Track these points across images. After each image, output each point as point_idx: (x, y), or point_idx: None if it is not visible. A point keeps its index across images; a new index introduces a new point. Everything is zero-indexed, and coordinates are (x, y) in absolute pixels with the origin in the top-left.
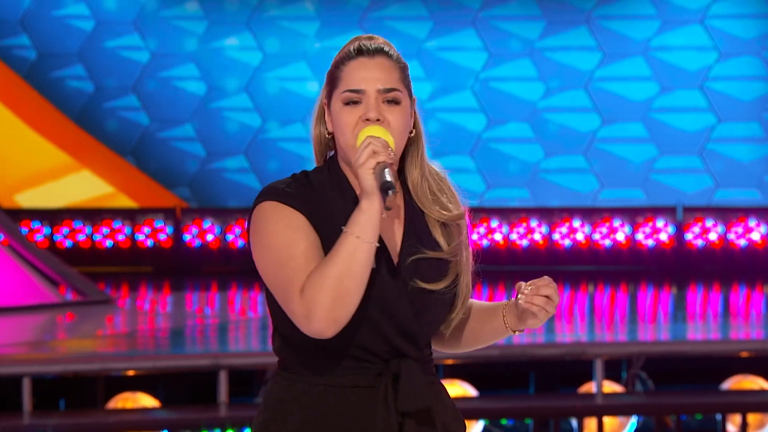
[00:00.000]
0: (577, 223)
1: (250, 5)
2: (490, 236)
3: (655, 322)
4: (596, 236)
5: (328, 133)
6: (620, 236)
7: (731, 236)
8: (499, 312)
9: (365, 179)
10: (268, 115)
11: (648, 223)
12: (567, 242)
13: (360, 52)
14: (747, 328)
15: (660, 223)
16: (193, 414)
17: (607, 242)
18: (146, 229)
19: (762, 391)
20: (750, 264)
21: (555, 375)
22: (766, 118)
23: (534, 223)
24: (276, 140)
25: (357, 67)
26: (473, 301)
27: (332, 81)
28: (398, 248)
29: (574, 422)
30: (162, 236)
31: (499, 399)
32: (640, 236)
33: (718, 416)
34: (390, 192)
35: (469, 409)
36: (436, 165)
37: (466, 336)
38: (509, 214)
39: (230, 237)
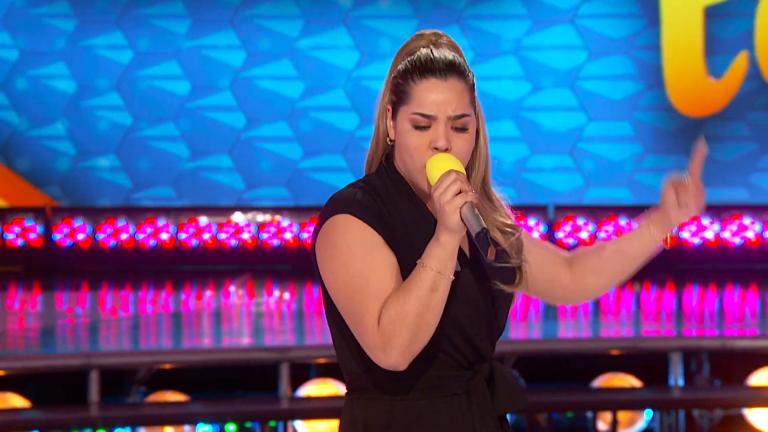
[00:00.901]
0: None
1: (121, 3)
2: None
3: (526, 321)
4: None
5: (390, 140)
6: None
7: (602, 234)
8: (640, 232)
9: (452, 218)
10: (139, 114)
11: (519, 221)
12: None
13: (431, 69)
14: (617, 326)
15: (531, 222)
16: (63, 414)
17: None
18: (16, 229)
19: (632, 389)
20: None
21: None
22: (636, 117)
23: None
24: (147, 139)
25: (429, 89)
26: (611, 242)
27: (399, 93)
28: (468, 254)
29: None
30: (32, 235)
31: None
32: None
33: (589, 414)
34: (489, 237)
35: (340, 408)
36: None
37: (606, 278)
38: None
39: (101, 236)
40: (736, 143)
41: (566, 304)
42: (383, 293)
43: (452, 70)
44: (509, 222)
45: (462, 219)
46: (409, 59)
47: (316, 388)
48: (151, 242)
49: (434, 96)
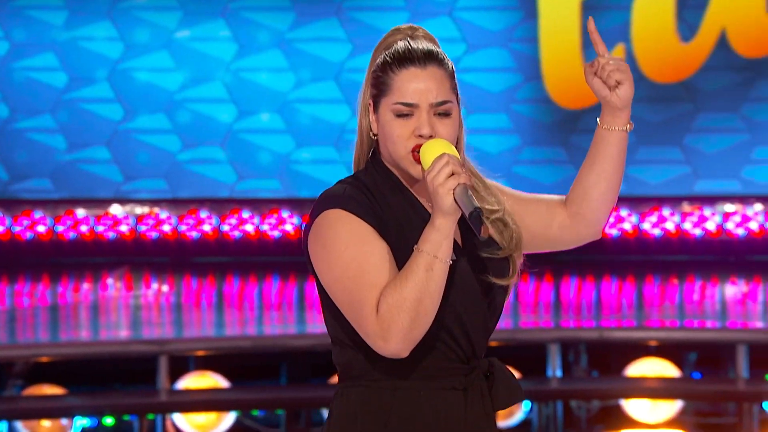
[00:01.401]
0: None
1: None
2: (241, 227)
3: None
4: None
5: (374, 135)
6: None
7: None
8: (597, 133)
9: (445, 200)
10: (15, 106)
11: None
12: None
13: (410, 59)
14: None
15: None
16: None
17: None
18: None
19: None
20: None
21: (307, 365)
22: (514, 109)
23: (285, 214)
24: (24, 131)
25: (409, 78)
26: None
27: (379, 85)
28: (462, 246)
29: (325, 413)
30: None
31: (250, 390)
32: None
33: None
34: (482, 217)
35: (221, 401)
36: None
37: (594, 195)
38: (260, 205)
39: None
40: None
41: (583, 241)
42: (380, 282)
43: (431, 58)
44: (494, 208)
45: (456, 201)
46: (387, 52)
47: (194, 381)
48: (28, 234)
49: (415, 84)
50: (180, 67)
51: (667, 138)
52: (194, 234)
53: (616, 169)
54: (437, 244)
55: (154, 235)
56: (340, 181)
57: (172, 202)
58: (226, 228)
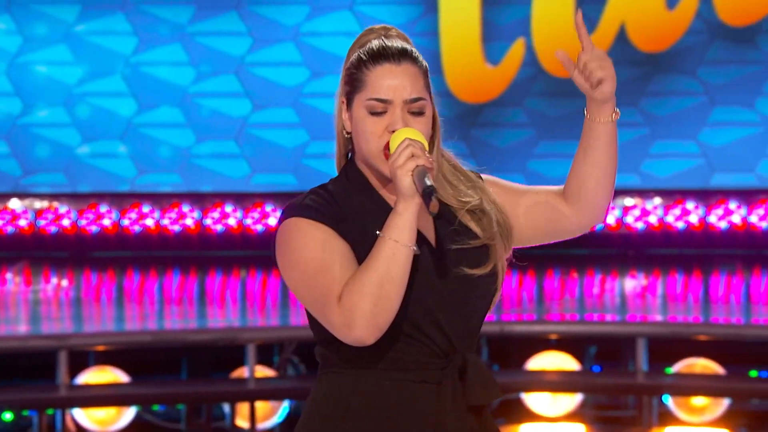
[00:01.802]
0: (229, 208)
1: None
2: (141, 222)
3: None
4: (248, 221)
5: (347, 133)
6: (272, 221)
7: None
8: (584, 128)
9: (403, 181)
10: None
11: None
12: (219, 227)
13: (385, 55)
14: None
15: None
16: None
17: (260, 227)
18: None
19: None
20: None
21: (208, 360)
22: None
23: (186, 208)
24: None
25: (383, 74)
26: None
27: (353, 82)
28: (434, 240)
29: (226, 407)
30: None
31: (150, 385)
32: None
33: None
34: (433, 196)
35: (121, 396)
36: (449, 152)
37: (589, 183)
38: (161, 200)
39: None
40: (514, 129)
41: (586, 229)
42: (341, 277)
43: (405, 55)
44: (468, 199)
45: (414, 182)
46: (361, 50)
47: (94, 376)
48: None
49: (389, 81)
50: (79, 60)
51: (568, 132)
52: (94, 228)
53: (608, 157)
54: (398, 229)
55: (53, 229)
56: (308, 191)
57: (72, 197)
58: (126, 222)
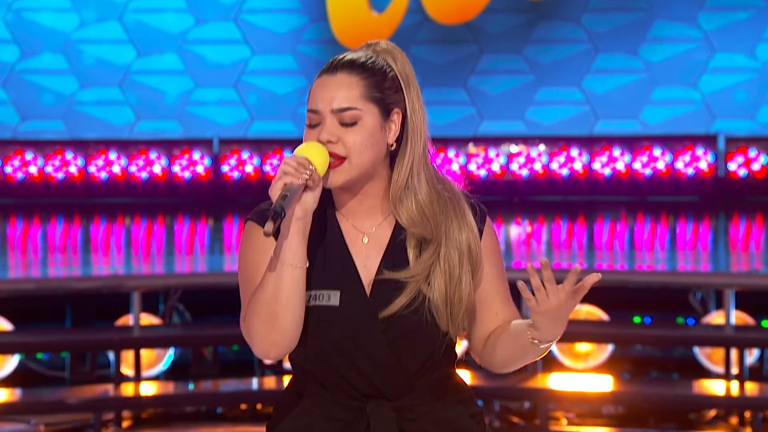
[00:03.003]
0: (113, 156)
1: None
2: (24, 169)
3: (192, 254)
4: (132, 168)
5: None
6: (157, 168)
7: (267, 168)
8: (522, 340)
9: (273, 200)
10: None
11: (185, 155)
12: (103, 174)
13: (326, 68)
14: None
15: (196, 156)
16: None
17: (144, 174)
18: None
19: None
20: None
21: (92, 308)
22: (300, 50)
23: (69, 156)
24: None
25: (317, 86)
26: (514, 322)
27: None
28: (372, 281)
29: (111, 355)
30: None
31: (34, 333)
32: (176, 168)
33: None
34: (276, 217)
35: (4, 344)
36: (449, 182)
37: (498, 354)
38: (44, 147)
39: None
40: None
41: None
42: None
43: (346, 66)
44: (425, 235)
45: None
46: None
47: None
48: None
49: (320, 92)
50: None
51: (452, 80)
52: None
53: (517, 359)
54: (282, 249)
55: None
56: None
57: None
58: (8, 170)
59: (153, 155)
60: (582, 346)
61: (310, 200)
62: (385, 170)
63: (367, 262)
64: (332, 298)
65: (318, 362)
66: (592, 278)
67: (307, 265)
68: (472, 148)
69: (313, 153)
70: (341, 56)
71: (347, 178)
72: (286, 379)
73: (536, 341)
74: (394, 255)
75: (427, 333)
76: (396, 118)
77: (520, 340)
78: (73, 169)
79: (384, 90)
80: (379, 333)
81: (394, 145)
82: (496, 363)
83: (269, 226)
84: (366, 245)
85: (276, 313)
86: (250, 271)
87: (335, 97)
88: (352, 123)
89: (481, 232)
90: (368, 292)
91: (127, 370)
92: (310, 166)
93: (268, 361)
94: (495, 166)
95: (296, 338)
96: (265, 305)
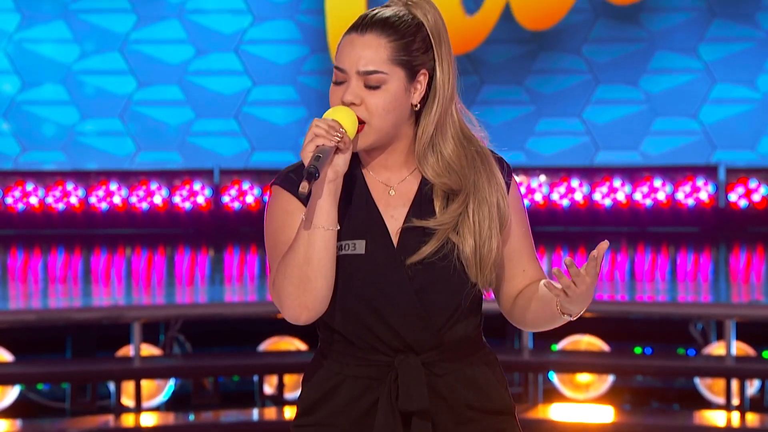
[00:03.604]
0: (114, 186)
1: None
2: (26, 200)
3: (192, 285)
4: (133, 199)
5: None
6: (158, 199)
7: (266, 198)
8: (550, 304)
9: (305, 162)
10: None
11: (185, 186)
12: (104, 205)
13: (355, 25)
14: None
15: (197, 186)
16: None
17: (145, 205)
18: None
19: (298, 352)
20: None
21: (93, 339)
22: (301, 81)
23: (70, 187)
24: None
25: (345, 43)
26: (544, 282)
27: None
28: (399, 229)
29: (111, 386)
30: None
31: (35, 364)
32: (177, 199)
33: (255, 377)
34: (311, 178)
35: (5, 375)
36: (480, 136)
37: (529, 317)
38: (45, 178)
39: None
40: None
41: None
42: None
43: (376, 25)
44: (452, 185)
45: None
46: None
47: None
48: None
49: (347, 50)
50: None
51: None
52: None
53: (544, 323)
54: (312, 211)
55: None
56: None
57: None
58: (9, 201)
59: (154, 186)
60: (583, 377)
61: (341, 162)
62: (410, 129)
63: (394, 212)
64: (358, 246)
65: (346, 317)
66: (603, 246)
67: (338, 227)
68: None
69: (342, 116)
70: (372, 12)
71: (369, 142)
72: (288, 410)
73: (568, 315)
74: (422, 205)
75: (455, 282)
76: (422, 79)
77: (550, 307)
78: (74, 199)
79: (412, 52)
80: (406, 281)
81: (419, 105)
82: (528, 324)
83: (304, 186)
84: (393, 197)
85: (308, 276)
86: (277, 234)
87: (362, 57)
88: (377, 86)
89: (508, 186)
90: (395, 241)
91: (128, 401)
92: (341, 129)
93: (298, 323)
94: None
95: (327, 301)
96: (296, 268)
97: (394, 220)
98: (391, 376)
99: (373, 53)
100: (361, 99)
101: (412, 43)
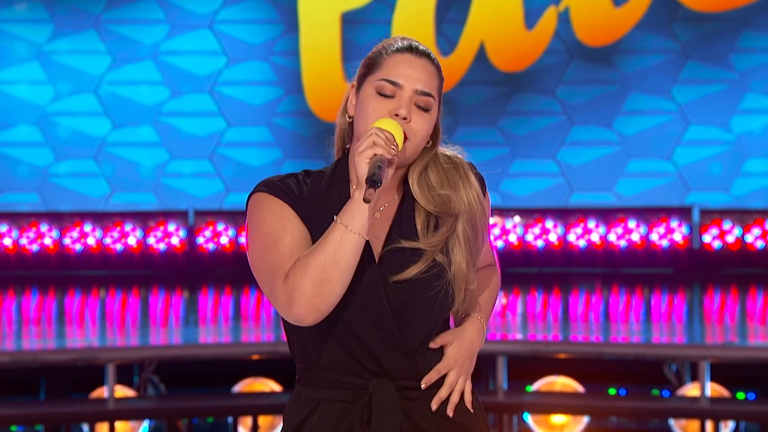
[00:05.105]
0: (88, 228)
1: None
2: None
3: (167, 326)
4: (107, 240)
5: (349, 117)
6: (132, 240)
7: (242, 240)
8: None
9: (360, 168)
10: None
11: (160, 227)
12: (78, 246)
13: (409, 48)
14: (257, 332)
15: (171, 227)
16: None
17: (119, 246)
18: None
19: (272, 393)
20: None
21: (67, 380)
22: (275, 122)
23: (44, 228)
24: None
25: (402, 61)
26: (462, 316)
27: (370, 65)
28: (382, 248)
29: (85, 428)
30: None
31: (8, 405)
32: (151, 240)
33: (230, 419)
34: (375, 185)
35: None
36: (457, 152)
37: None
38: (19, 219)
39: None
40: None
41: None
42: (293, 254)
43: (427, 55)
44: (438, 207)
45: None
46: (386, 43)
47: None
48: None
49: (406, 68)
50: None
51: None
52: None
53: None
54: (349, 215)
55: None
56: (289, 173)
57: None
58: None
59: (128, 227)
60: (557, 418)
61: (388, 176)
62: (411, 158)
63: (378, 233)
64: None
65: (326, 338)
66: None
67: (367, 238)
68: None
69: (396, 130)
70: (414, 42)
71: (401, 159)
72: None
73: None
74: (402, 221)
75: (431, 306)
76: (439, 118)
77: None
78: (48, 241)
79: (442, 91)
80: (384, 301)
81: (431, 142)
82: None
83: (370, 192)
84: (377, 220)
85: (331, 278)
86: (274, 236)
87: (420, 78)
88: (427, 109)
89: (483, 191)
90: (377, 259)
91: None
92: (395, 143)
93: (301, 324)
94: None
95: (333, 308)
96: (321, 268)
97: (378, 241)
98: (365, 399)
99: (428, 78)
100: (411, 118)
101: (442, 83)
